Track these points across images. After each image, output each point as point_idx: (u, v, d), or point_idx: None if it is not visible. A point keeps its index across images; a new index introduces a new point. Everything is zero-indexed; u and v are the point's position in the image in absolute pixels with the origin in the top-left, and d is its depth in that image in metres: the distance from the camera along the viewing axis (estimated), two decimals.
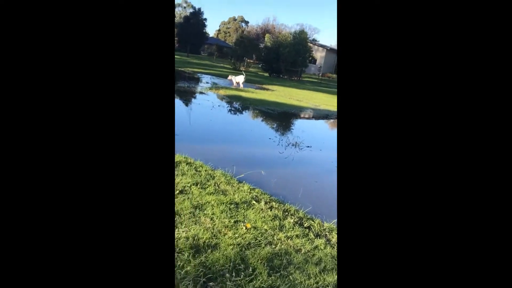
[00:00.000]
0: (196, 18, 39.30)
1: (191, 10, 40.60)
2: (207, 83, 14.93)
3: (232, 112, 9.38)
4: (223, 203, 2.92)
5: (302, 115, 10.61)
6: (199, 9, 40.18)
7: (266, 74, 25.91)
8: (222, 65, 27.42)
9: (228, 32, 65.83)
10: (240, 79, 14.93)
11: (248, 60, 27.10)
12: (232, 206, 2.93)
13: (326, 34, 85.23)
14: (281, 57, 24.61)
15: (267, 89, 16.05)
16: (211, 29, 73.56)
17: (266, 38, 26.13)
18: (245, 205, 3.02)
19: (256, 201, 3.15)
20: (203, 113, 8.23)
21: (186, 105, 9.04)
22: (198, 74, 18.79)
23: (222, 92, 12.34)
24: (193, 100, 10.23)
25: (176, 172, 3.44)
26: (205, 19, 40.73)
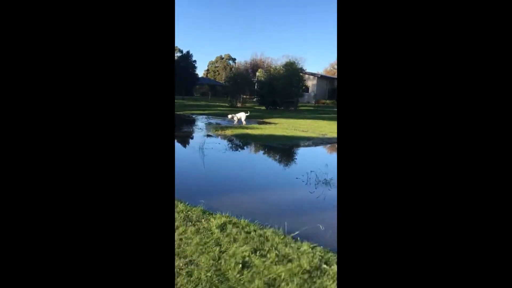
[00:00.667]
0: (186, 61, 40.00)
1: (179, 54, 41.39)
2: (210, 123, 14.71)
3: (244, 152, 9.05)
4: (295, 274, 2.50)
5: (315, 145, 10.31)
6: (188, 51, 40.98)
7: (263, 108, 25.93)
8: (218, 103, 27.49)
9: (217, 70, 67.19)
10: (241, 115, 14.74)
11: (244, 96, 27.21)
12: (306, 276, 2.50)
13: (312, 62, 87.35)
14: (276, 89, 24.75)
15: (269, 123, 15.86)
16: (200, 69, 75.07)
17: (258, 73, 26.47)
18: (318, 272, 2.59)
19: (326, 264, 2.73)
20: (216, 157, 7.88)
21: (197, 149, 8.69)
22: (199, 117, 18.66)
23: (229, 132, 12.07)
24: (201, 144, 9.94)
25: (227, 238, 3.03)
26: (195, 61, 41.53)
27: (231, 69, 55.39)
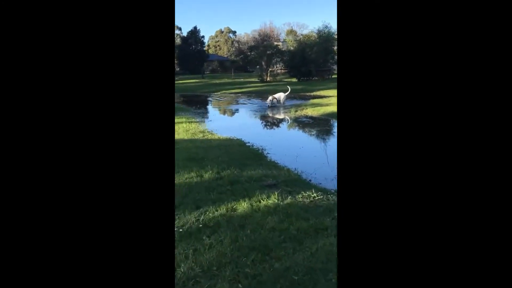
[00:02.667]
0: (194, 37, 37.35)
1: (178, 32, 38.70)
2: (285, 106, 12.65)
3: None
4: None
5: None
6: (195, 27, 38.18)
7: (294, 80, 23.77)
8: (244, 79, 25.22)
9: (218, 45, 63.94)
10: (280, 96, 12.16)
11: (271, 69, 24.93)
12: None
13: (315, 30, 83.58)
14: (309, 58, 22.51)
15: (320, 96, 13.89)
16: None
17: (287, 42, 24.03)
18: None
19: None
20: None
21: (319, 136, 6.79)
22: (247, 99, 16.47)
23: (311, 111, 10.09)
24: (302, 129, 7.99)
25: None
26: (203, 37, 38.82)
27: (232, 42, 52.43)
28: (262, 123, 9.40)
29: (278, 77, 24.02)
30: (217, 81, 25.20)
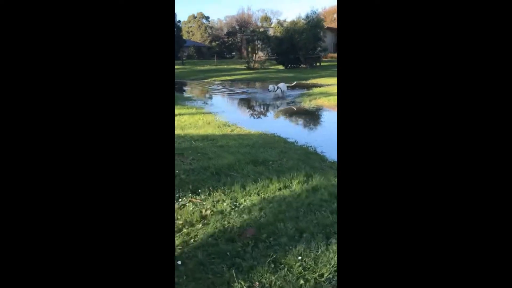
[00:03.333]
0: None
1: None
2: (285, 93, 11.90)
3: None
4: None
5: None
6: None
7: (281, 67, 23.10)
8: (233, 67, 24.21)
9: (191, 31, 61.83)
10: (281, 86, 11.16)
11: (256, 55, 24.03)
12: None
13: (290, 16, 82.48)
14: (297, 45, 21.86)
15: (318, 85, 13.38)
16: None
17: (275, 28, 23.20)
18: None
19: None
20: None
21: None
22: (244, 88, 15.65)
23: (324, 101, 9.51)
24: (329, 121, 7.42)
25: None
26: (179, 21, 37.12)
27: (205, 28, 50.76)
28: (280, 114, 8.71)
29: (265, 64, 23.20)
30: (201, 68, 23.99)
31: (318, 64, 22.92)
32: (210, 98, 11.80)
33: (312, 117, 8.21)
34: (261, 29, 25.57)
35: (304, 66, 22.52)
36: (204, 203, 2.75)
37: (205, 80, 16.87)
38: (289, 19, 23.30)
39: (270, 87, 10.87)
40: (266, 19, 38.21)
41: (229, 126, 6.33)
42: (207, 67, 24.80)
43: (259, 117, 8.53)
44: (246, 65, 23.03)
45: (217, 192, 2.95)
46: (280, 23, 23.88)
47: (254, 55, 23.54)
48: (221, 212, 2.60)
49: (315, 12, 22.71)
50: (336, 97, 9.64)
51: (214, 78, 17.51)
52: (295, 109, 9.06)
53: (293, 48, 21.99)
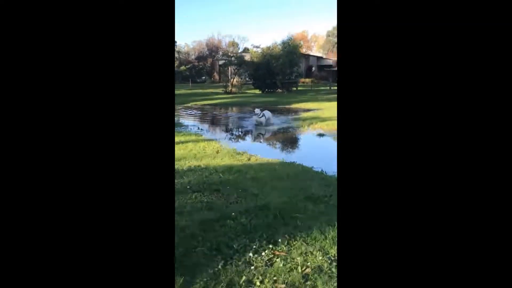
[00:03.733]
0: None
1: None
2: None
3: None
4: None
5: None
6: None
7: (258, 91, 23.02)
8: (210, 91, 23.76)
9: None
10: (268, 114, 9.90)
11: (232, 80, 23.80)
12: None
13: (256, 42, 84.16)
14: (274, 70, 21.95)
15: (308, 110, 13.29)
16: None
17: (252, 53, 23.20)
18: None
19: None
20: None
21: None
22: (230, 112, 15.22)
23: (322, 125, 9.29)
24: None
25: None
26: None
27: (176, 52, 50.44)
28: (283, 139, 8.33)
29: (242, 89, 23.01)
30: (177, 92, 23.34)
31: (295, 88, 23.11)
32: (202, 123, 11.23)
33: (319, 142, 7.92)
34: (236, 54, 25.52)
35: (280, 90, 22.58)
36: (290, 256, 2.26)
37: (186, 105, 16.28)
38: (258, 45, 23.41)
39: (257, 110, 10.20)
40: (234, 44, 38.48)
41: (241, 154, 5.85)
42: (182, 91, 24.18)
43: (264, 143, 8.09)
44: (224, 89, 22.73)
45: (296, 240, 2.47)
46: (256, 48, 23.97)
47: (232, 79, 23.31)
48: (320, 268, 2.12)
49: (291, 38, 23.07)
50: (331, 121, 9.53)
51: (195, 103, 16.99)
52: (296, 135, 8.75)
53: (270, 73, 22.04)
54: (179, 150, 5.96)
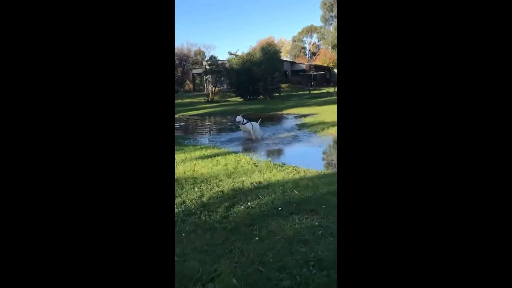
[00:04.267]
0: None
1: None
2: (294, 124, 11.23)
3: None
4: None
5: None
6: None
7: (239, 99, 22.78)
8: (191, 101, 23.12)
9: None
10: (254, 125, 8.81)
11: (213, 88, 23.39)
12: None
13: (223, 50, 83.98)
14: (255, 77, 21.83)
15: (306, 115, 13.25)
16: None
17: (232, 61, 22.92)
18: None
19: None
20: None
21: None
22: (227, 122, 14.80)
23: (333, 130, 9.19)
24: None
25: None
26: None
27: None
28: (299, 149, 8.11)
29: (224, 97, 22.65)
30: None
31: (277, 94, 23.09)
32: (207, 134, 10.78)
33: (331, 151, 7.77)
34: (217, 62, 25.10)
35: (262, 97, 22.47)
36: None
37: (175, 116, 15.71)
38: (235, 52, 23.16)
39: (238, 118, 8.71)
40: (200, 53, 38.01)
41: (282, 166, 5.57)
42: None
43: (288, 152, 7.81)
44: (206, 98, 22.25)
45: None
46: (232, 55, 23.72)
47: (213, 88, 22.88)
48: None
49: (271, 44, 23.07)
50: (335, 127, 9.48)
51: (182, 113, 16.42)
52: (313, 141, 8.58)
53: (252, 79, 21.88)
54: (214, 166, 5.57)
